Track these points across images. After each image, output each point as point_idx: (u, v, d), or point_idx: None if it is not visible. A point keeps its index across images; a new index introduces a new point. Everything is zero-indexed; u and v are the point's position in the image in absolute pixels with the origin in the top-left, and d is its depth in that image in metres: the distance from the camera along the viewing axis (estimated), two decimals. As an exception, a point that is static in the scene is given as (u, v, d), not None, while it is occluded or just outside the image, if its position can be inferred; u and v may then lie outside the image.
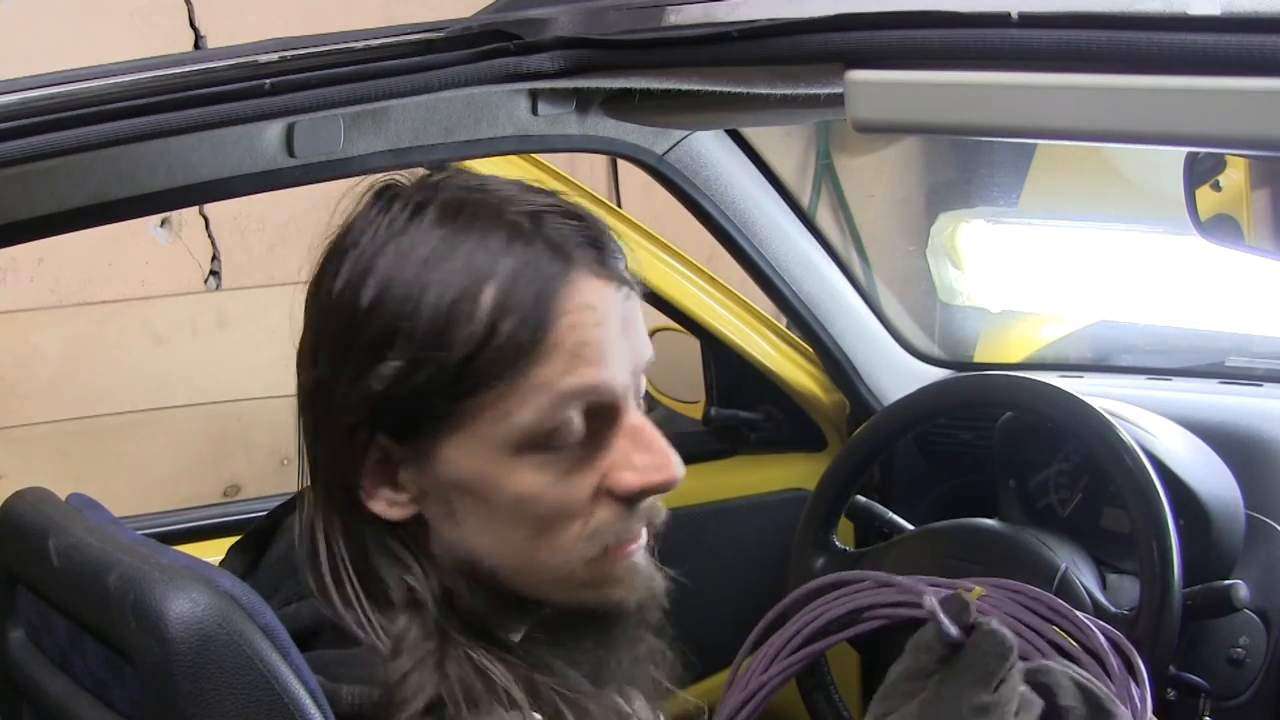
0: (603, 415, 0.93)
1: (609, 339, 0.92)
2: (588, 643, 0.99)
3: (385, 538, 0.94)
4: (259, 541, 1.03)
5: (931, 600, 0.98)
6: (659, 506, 0.99)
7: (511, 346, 0.89)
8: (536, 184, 0.99)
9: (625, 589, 0.97)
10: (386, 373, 0.90)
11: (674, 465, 0.95)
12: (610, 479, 0.94)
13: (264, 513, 1.04)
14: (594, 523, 0.95)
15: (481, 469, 0.92)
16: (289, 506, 1.02)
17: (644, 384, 0.98)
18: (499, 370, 0.89)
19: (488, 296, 0.89)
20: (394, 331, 0.90)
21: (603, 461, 0.94)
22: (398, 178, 0.98)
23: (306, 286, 0.97)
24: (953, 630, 0.98)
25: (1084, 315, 2.49)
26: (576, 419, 0.92)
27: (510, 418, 0.90)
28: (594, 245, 0.93)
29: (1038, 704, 0.97)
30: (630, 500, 0.95)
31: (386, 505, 0.94)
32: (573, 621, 0.98)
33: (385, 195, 0.95)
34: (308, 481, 0.97)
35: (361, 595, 0.92)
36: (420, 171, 1.00)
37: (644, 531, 0.98)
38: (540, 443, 0.92)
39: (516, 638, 0.99)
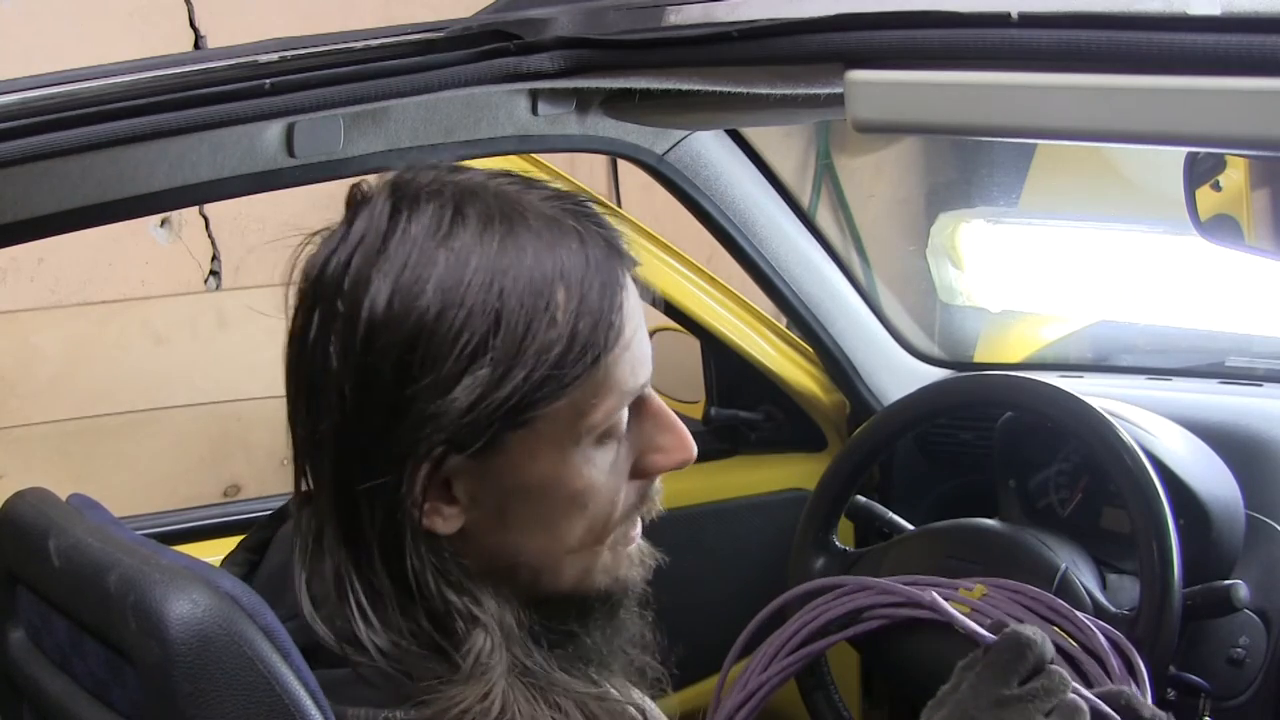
0: (638, 404, 0.96)
1: (644, 330, 0.95)
2: (594, 628, 1.00)
3: (440, 559, 0.91)
4: (252, 553, 1.01)
5: (966, 622, 1.00)
6: (660, 487, 1.01)
7: (590, 347, 0.89)
8: (525, 174, 0.98)
9: (633, 569, 1.00)
10: (474, 385, 0.86)
11: (691, 442, 0.98)
12: (642, 461, 0.97)
13: (264, 513, 1.04)
14: (627, 505, 0.97)
15: (546, 470, 0.92)
16: (283, 516, 1.00)
17: None
18: (581, 370, 0.89)
19: (562, 297, 0.88)
20: (477, 342, 0.86)
21: (636, 447, 0.97)
22: (365, 181, 0.94)
23: (297, 303, 0.92)
24: (983, 633, 0.99)
25: (1084, 315, 2.49)
26: (625, 411, 0.94)
27: (583, 418, 0.91)
28: (616, 236, 0.95)
29: (1084, 710, 0.98)
30: (652, 481, 0.99)
31: (442, 521, 0.91)
32: (588, 609, 0.99)
33: (403, 199, 0.91)
34: (310, 505, 0.93)
35: (401, 622, 0.90)
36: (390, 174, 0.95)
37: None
38: (600, 439, 0.93)
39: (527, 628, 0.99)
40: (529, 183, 0.95)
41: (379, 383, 0.88)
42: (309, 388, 0.91)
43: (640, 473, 0.97)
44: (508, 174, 0.95)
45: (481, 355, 0.87)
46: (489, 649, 0.90)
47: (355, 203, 0.93)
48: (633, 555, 1.00)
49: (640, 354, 0.94)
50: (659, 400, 0.98)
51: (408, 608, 0.90)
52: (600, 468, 0.94)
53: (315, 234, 0.93)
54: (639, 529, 1.00)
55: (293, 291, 0.93)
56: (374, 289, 0.87)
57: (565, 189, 0.96)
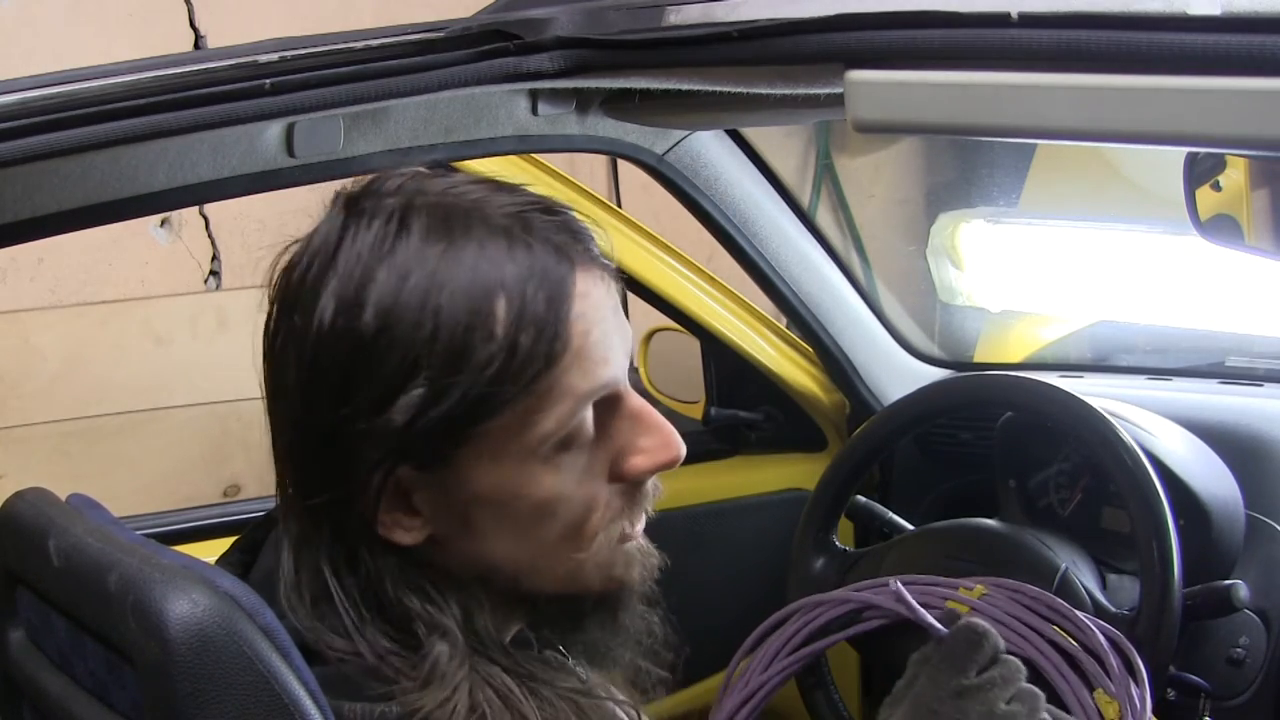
0: (608, 406, 0.94)
1: (609, 332, 0.92)
2: (590, 626, 0.99)
3: (403, 565, 0.92)
4: (246, 554, 1.01)
5: (924, 613, 1.01)
6: (658, 484, 1.00)
7: (532, 359, 0.87)
8: (492, 175, 0.97)
9: (631, 569, 0.98)
10: (409, 404, 0.86)
11: (678, 442, 0.96)
12: (620, 465, 0.95)
13: (264, 513, 1.04)
14: (610, 511, 0.95)
15: (503, 481, 0.91)
16: (273, 519, 1.00)
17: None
18: (521, 384, 0.88)
19: (501, 310, 0.87)
20: (411, 361, 0.86)
21: (611, 450, 0.95)
22: (350, 188, 0.93)
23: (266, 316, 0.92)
24: (936, 624, 1.01)
25: (1084, 315, 2.49)
26: (589, 416, 0.92)
27: (533, 428, 0.89)
28: (578, 238, 0.92)
29: (1040, 695, 1.00)
30: (639, 483, 0.97)
31: (403, 532, 0.91)
32: (584, 609, 0.98)
33: (352, 210, 0.90)
34: (288, 513, 0.94)
35: (373, 627, 0.90)
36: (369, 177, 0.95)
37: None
38: (559, 446, 0.91)
39: (514, 630, 0.99)
40: (498, 188, 0.93)
41: (322, 399, 0.88)
42: (274, 396, 0.92)
43: (620, 476, 0.95)
44: (480, 180, 0.94)
45: (416, 374, 0.86)
46: (448, 655, 0.89)
47: (329, 208, 0.93)
48: (631, 554, 0.98)
49: (599, 356, 0.91)
50: (639, 400, 0.96)
51: (378, 609, 0.91)
52: (565, 476, 0.92)
53: (295, 241, 0.93)
54: (639, 526, 0.98)
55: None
56: (322, 304, 0.88)
57: (539, 195, 0.94)
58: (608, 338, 0.92)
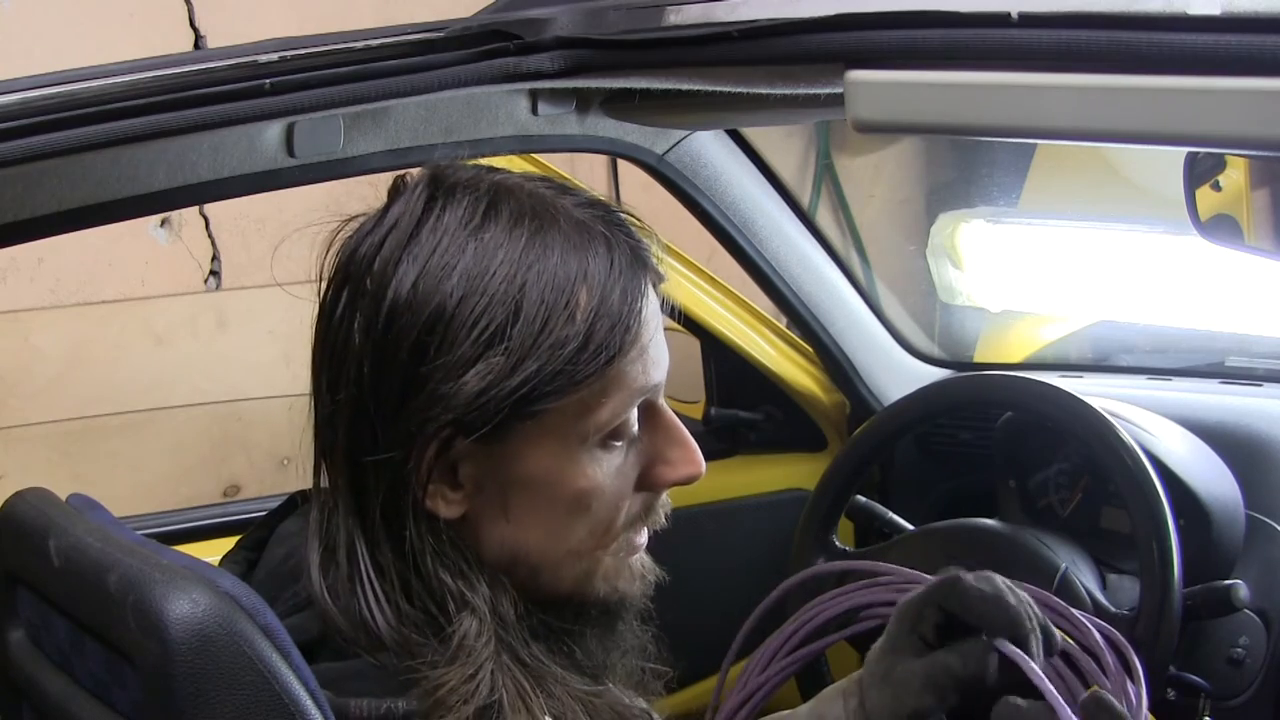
0: (649, 411, 0.98)
1: (662, 337, 0.98)
2: (590, 635, 1.00)
3: (439, 540, 0.93)
4: (250, 551, 1.01)
5: (1047, 686, 0.96)
6: (667, 501, 1.02)
7: (606, 347, 0.91)
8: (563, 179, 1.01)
9: (634, 582, 1.00)
10: (487, 371, 0.89)
11: (700, 459, 0.99)
12: (649, 473, 0.98)
13: (264, 513, 1.04)
14: (631, 514, 0.98)
15: (550, 464, 0.93)
16: (282, 513, 1.01)
17: None
18: (594, 369, 0.91)
19: (584, 298, 0.91)
20: (495, 330, 0.89)
21: (643, 456, 0.98)
22: (429, 169, 0.96)
23: (327, 283, 0.94)
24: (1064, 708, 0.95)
25: (1084, 315, 2.49)
26: (634, 415, 0.96)
27: (591, 415, 0.93)
28: (643, 247, 0.97)
29: None
30: (658, 493, 1.00)
31: (445, 504, 0.93)
32: (588, 615, 0.99)
33: (438, 189, 0.94)
34: (329, 484, 0.95)
35: (401, 601, 0.91)
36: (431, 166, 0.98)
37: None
38: (607, 438, 0.95)
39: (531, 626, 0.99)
40: (563, 189, 0.97)
41: (395, 360, 0.90)
42: (331, 361, 0.94)
43: (646, 484, 0.98)
44: (545, 178, 0.98)
45: (497, 343, 0.89)
46: (476, 632, 0.90)
47: (396, 191, 0.95)
48: (634, 567, 1.00)
49: (655, 356, 0.96)
50: (672, 415, 0.99)
51: (408, 585, 0.92)
52: (606, 470, 0.95)
53: (353, 218, 0.96)
54: (644, 540, 1.01)
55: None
56: (401, 271, 0.90)
57: (599, 198, 0.98)
58: (662, 341, 0.98)
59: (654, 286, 0.98)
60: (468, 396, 0.89)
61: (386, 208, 0.94)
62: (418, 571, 0.92)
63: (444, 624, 0.91)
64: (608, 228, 0.95)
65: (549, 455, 0.93)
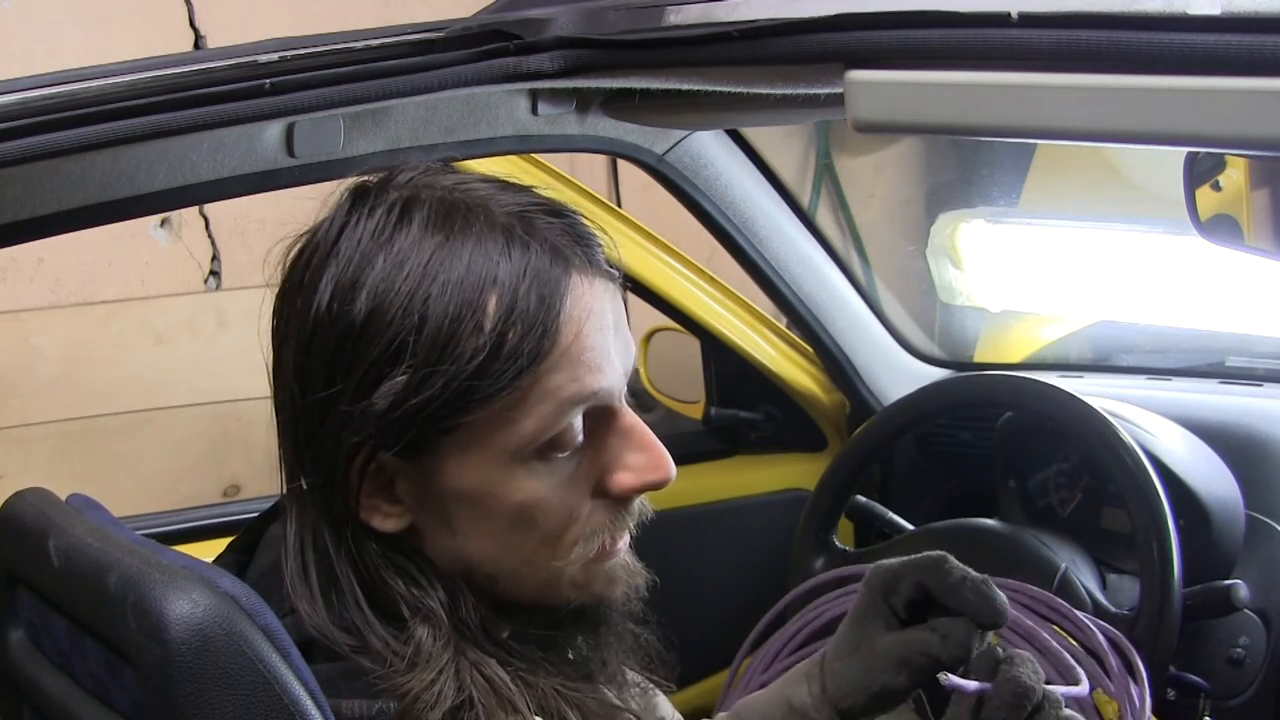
0: (599, 418, 0.93)
1: (606, 342, 0.91)
2: (575, 639, 0.99)
3: (387, 550, 0.92)
4: (241, 554, 1.01)
5: (948, 677, 0.96)
6: (646, 503, 0.99)
7: (519, 356, 0.87)
8: (509, 178, 0.97)
9: (612, 586, 0.97)
10: (391, 390, 0.87)
11: (668, 464, 0.95)
12: (607, 481, 0.94)
13: (259, 513, 1.04)
14: (590, 524, 0.94)
15: (483, 479, 0.91)
16: (269, 516, 1.01)
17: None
18: (506, 381, 0.87)
19: (492, 305, 0.87)
20: (398, 346, 0.87)
21: (598, 463, 0.94)
22: (368, 179, 0.94)
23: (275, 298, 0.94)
24: (970, 687, 0.95)
25: (1084, 315, 2.49)
26: (577, 424, 0.91)
27: (515, 427, 0.89)
28: (582, 243, 0.92)
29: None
30: (624, 500, 0.95)
31: (382, 518, 0.92)
32: (560, 621, 0.98)
33: (357, 200, 0.92)
34: (290, 495, 0.95)
35: (365, 608, 0.91)
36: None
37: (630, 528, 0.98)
38: (543, 450, 0.91)
39: (503, 636, 0.98)
40: (506, 188, 0.94)
41: (312, 382, 0.90)
42: (275, 383, 0.94)
43: (604, 491, 0.94)
44: (489, 179, 0.94)
45: (401, 360, 0.87)
46: (431, 637, 0.89)
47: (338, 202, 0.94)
48: (612, 571, 0.97)
49: (590, 362, 0.90)
50: (633, 418, 0.95)
51: (368, 593, 0.91)
52: (547, 483, 0.92)
53: (304, 233, 0.94)
54: (622, 544, 0.97)
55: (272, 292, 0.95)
56: (320, 290, 0.89)
57: (547, 197, 0.94)
58: (602, 346, 0.91)
59: (601, 287, 0.92)
60: (375, 416, 0.88)
61: (322, 219, 0.93)
62: (362, 582, 0.91)
63: (397, 629, 0.90)
64: (528, 229, 0.90)
65: (477, 469, 0.90)
